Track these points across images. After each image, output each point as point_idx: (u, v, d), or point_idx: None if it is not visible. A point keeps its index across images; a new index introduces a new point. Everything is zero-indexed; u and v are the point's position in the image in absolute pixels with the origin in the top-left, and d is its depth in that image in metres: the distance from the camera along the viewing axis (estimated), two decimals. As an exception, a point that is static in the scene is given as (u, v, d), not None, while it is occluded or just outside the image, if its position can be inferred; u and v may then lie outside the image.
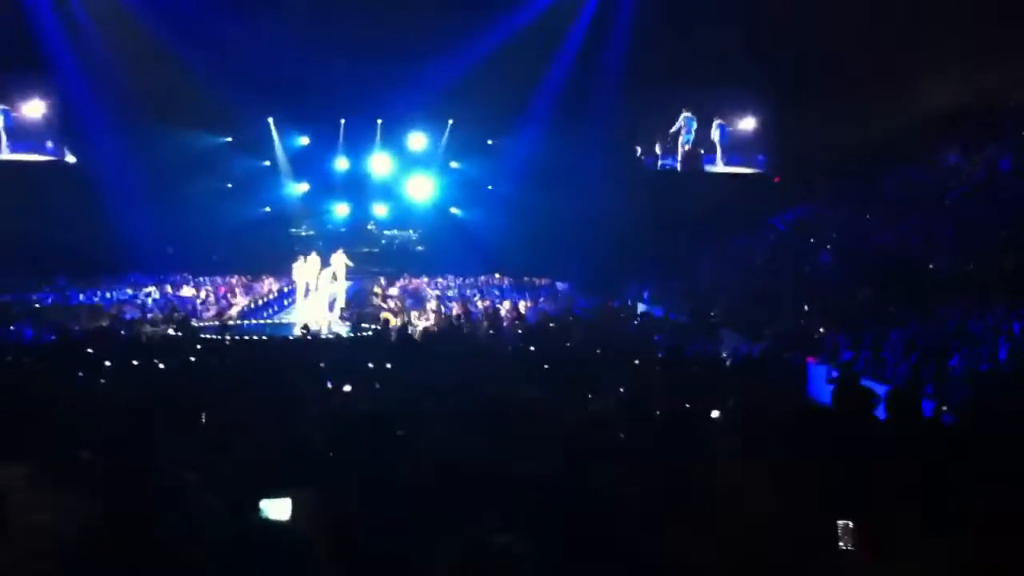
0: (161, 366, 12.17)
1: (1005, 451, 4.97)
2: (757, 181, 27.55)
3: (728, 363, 13.91)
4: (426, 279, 26.58)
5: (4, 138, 26.15)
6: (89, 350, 13.59)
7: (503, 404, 7.69)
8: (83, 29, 25.29)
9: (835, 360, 13.55)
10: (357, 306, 22.62)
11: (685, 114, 27.73)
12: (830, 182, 24.10)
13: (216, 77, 25.52)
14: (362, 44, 25.87)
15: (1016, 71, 19.54)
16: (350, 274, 23.78)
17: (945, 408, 9.35)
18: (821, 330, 15.50)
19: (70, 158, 27.49)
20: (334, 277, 22.07)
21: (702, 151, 27.98)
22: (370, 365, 11.46)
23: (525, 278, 26.95)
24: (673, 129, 28.12)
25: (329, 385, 9.78)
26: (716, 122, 27.74)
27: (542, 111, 27.49)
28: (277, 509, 4.58)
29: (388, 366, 11.46)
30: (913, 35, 20.23)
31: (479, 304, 23.62)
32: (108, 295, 23.79)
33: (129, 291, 24.40)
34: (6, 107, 26.03)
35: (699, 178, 27.91)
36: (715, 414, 7.18)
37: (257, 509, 4.46)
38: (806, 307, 17.46)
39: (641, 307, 22.82)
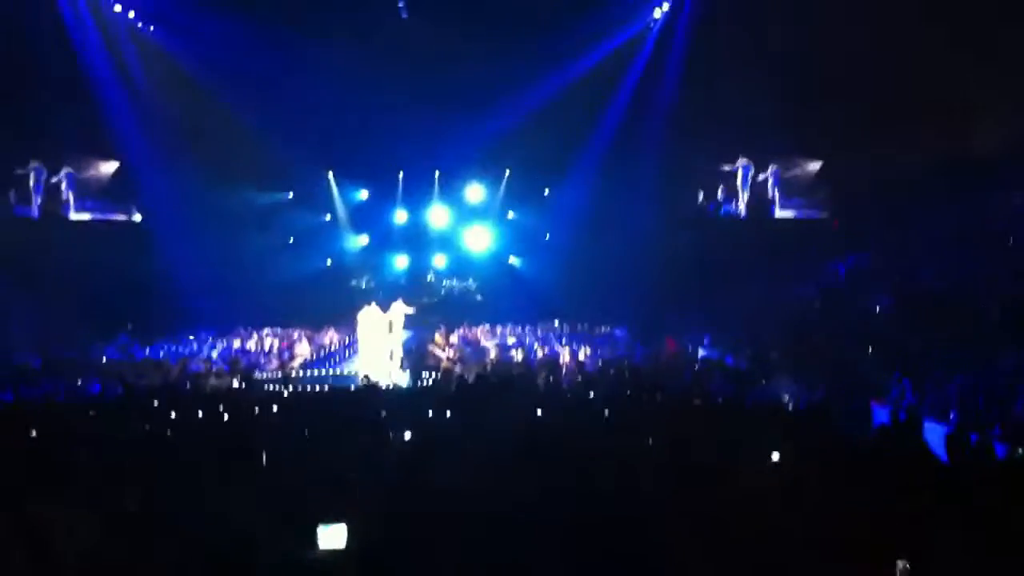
0: (226, 417, 12.38)
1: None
2: (814, 226, 27.25)
3: (790, 408, 13.76)
4: (486, 328, 26.65)
5: (72, 199, 26.81)
6: (155, 403, 13.89)
7: (558, 449, 7.74)
8: (144, 91, 25.99)
9: (899, 403, 13.33)
10: (417, 356, 22.75)
11: (742, 160, 27.62)
12: (887, 226, 23.80)
13: (275, 134, 26.13)
14: (419, 96, 26.34)
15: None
16: (409, 324, 23.98)
17: (1020, 451, 9.18)
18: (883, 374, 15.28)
19: (136, 217, 28.18)
20: (391, 328, 22.25)
21: (768, 196, 27.80)
22: (430, 414, 11.55)
23: (583, 326, 26.87)
24: (730, 171, 28.00)
25: (390, 434, 9.88)
26: (771, 167, 27.60)
27: (596, 159, 27.71)
28: (333, 535, 4.68)
29: (448, 414, 11.54)
30: (965, 74, 20.03)
31: (538, 352, 23.62)
32: (173, 349, 24.24)
33: (193, 345, 24.83)
34: (71, 169, 26.70)
35: (756, 224, 27.72)
36: (775, 456, 7.13)
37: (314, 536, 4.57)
38: (869, 350, 17.21)
39: (701, 352, 22.66)
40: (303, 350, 24.10)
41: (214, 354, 23.73)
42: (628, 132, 27.06)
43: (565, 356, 22.60)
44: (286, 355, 22.73)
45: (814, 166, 27.46)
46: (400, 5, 25.05)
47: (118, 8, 25.36)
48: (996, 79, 19.59)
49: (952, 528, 4.96)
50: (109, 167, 27.26)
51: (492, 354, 23.46)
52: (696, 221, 27.82)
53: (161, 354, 23.45)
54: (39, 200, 26.28)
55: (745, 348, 20.72)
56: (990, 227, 19.95)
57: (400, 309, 22.50)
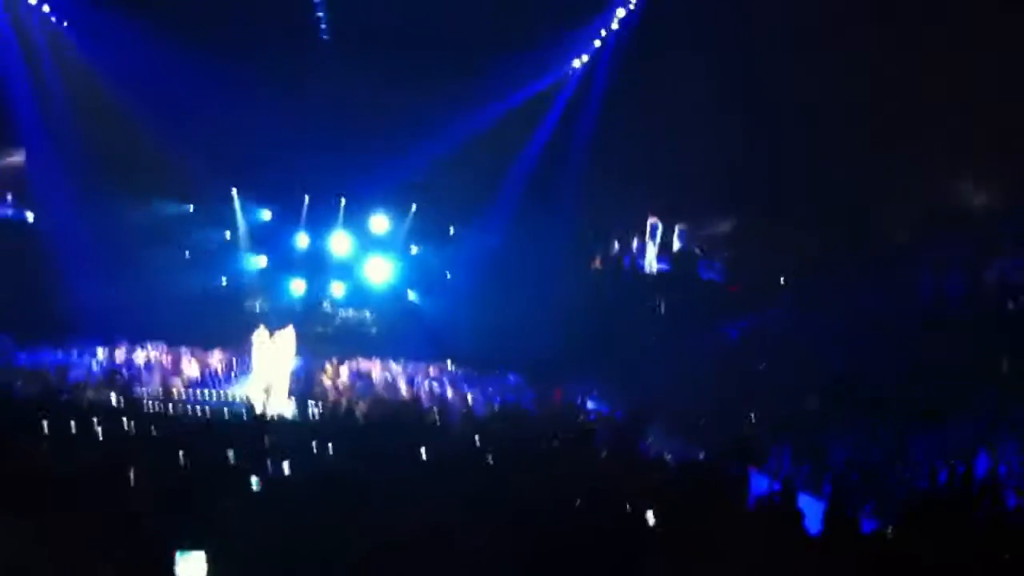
0: (99, 432, 11.96)
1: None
2: (714, 287, 27.81)
3: (672, 466, 13.89)
4: (377, 362, 26.37)
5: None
6: (29, 411, 13.34)
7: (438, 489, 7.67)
8: (52, 91, 25.23)
9: (777, 473, 13.58)
10: (305, 385, 22.36)
11: (651, 220, 28.18)
12: (789, 294, 24.40)
13: (181, 146, 25.62)
14: (332, 122, 26.18)
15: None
16: (300, 351, 23.59)
17: (890, 529, 9.38)
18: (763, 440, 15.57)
19: (28, 216, 27.27)
20: (280, 355, 21.83)
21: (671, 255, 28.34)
22: (313, 445, 11.33)
23: (476, 368, 26.80)
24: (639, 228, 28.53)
25: (268, 463, 9.67)
26: (678, 227, 28.19)
27: (507, 203, 27.86)
28: (191, 564, 4.54)
29: (330, 446, 11.35)
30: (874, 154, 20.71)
31: (427, 390, 23.46)
32: (55, 356, 23.33)
33: (74, 354, 23.95)
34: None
35: (655, 280, 28.24)
36: (650, 517, 7.16)
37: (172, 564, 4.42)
38: (752, 416, 17.54)
39: (589, 404, 22.79)
40: (188, 369, 23.47)
41: (94, 364, 22.92)
42: (540, 180, 27.33)
43: (454, 396, 22.51)
44: (170, 373, 22.08)
45: (723, 228, 28.04)
46: (322, 27, 24.86)
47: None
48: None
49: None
50: (9, 160, 26.37)
51: (381, 389, 23.21)
52: (599, 273, 28.17)
53: (43, 361, 22.53)
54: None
55: (633, 403, 20.92)
56: (888, 308, 20.53)
57: (290, 336, 22.09)
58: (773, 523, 6.84)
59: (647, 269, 28.35)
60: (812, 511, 6.92)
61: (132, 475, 7.28)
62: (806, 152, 22.32)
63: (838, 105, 20.98)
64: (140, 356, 24.17)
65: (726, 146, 23.47)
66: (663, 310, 25.99)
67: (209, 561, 4.68)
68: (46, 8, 25.05)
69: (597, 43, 25.86)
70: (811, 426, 15.68)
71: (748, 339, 23.72)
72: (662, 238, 28.46)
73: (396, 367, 25.92)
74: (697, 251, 28.34)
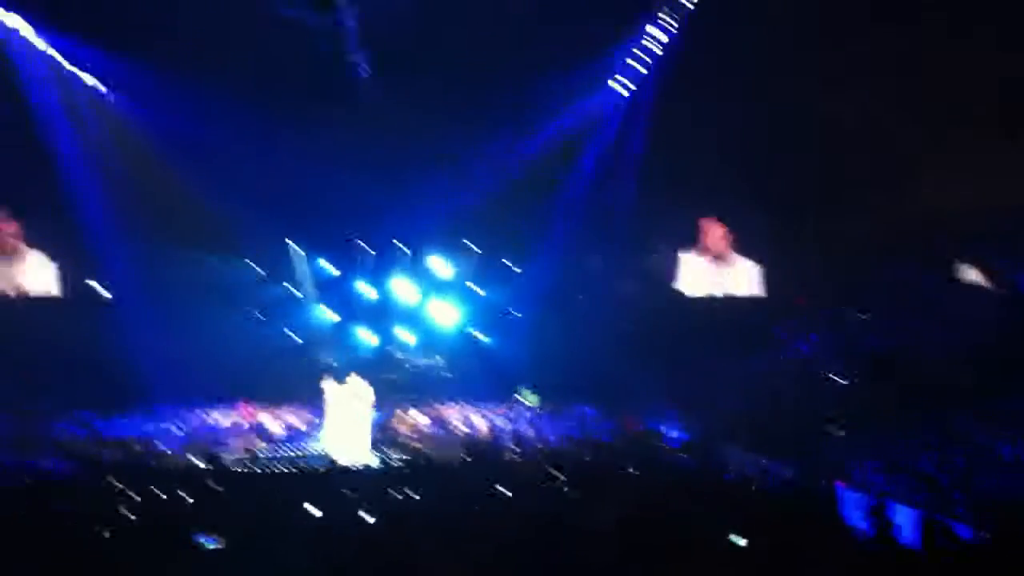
0: (186, 497, 12.15)
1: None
2: (778, 301, 27.47)
3: (755, 487, 13.72)
4: (451, 405, 26.44)
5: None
6: (115, 482, 13.61)
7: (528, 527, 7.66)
8: (105, 159, 25.79)
9: (867, 486, 13.31)
10: (382, 434, 22.51)
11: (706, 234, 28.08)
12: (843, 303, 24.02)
13: (239, 205, 26.02)
14: (389, 170, 26.47)
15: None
16: (375, 402, 23.76)
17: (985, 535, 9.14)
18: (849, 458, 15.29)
19: (101, 290, 27.96)
20: (355, 406, 21.99)
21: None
22: (398, 496, 11.41)
23: (548, 404, 26.69)
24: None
25: (359, 513, 9.76)
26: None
27: (562, 231, 27.87)
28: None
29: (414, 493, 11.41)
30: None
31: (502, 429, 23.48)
32: (135, 425, 23.79)
33: (155, 420, 24.38)
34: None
35: (725, 302, 28.03)
36: (742, 542, 7.03)
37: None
38: (838, 431, 17.27)
39: (665, 429, 22.60)
40: (268, 426, 23.77)
41: (175, 430, 23.33)
42: (593, 204, 27.28)
43: (530, 433, 22.50)
44: (251, 434, 22.40)
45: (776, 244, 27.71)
46: (360, 66, 25.05)
47: (75, 70, 25.20)
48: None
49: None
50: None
51: (457, 431, 23.30)
52: (659, 295, 27.97)
53: (124, 432, 22.99)
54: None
55: (709, 425, 20.76)
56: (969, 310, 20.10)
57: (363, 387, 22.26)
58: (870, 537, 6.72)
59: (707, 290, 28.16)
60: (907, 522, 6.81)
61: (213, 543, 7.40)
62: (869, 154, 22.07)
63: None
64: (219, 417, 24.56)
65: (779, 151, 23.35)
66: (726, 326, 25.66)
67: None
68: (88, 78, 25.58)
69: (643, 56, 25.75)
70: (895, 436, 15.38)
71: (821, 351, 23.37)
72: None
73: (470, 409, 25.98)
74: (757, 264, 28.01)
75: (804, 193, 23.88)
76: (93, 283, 27.96)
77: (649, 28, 24.49)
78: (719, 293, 28.20)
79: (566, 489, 12.20)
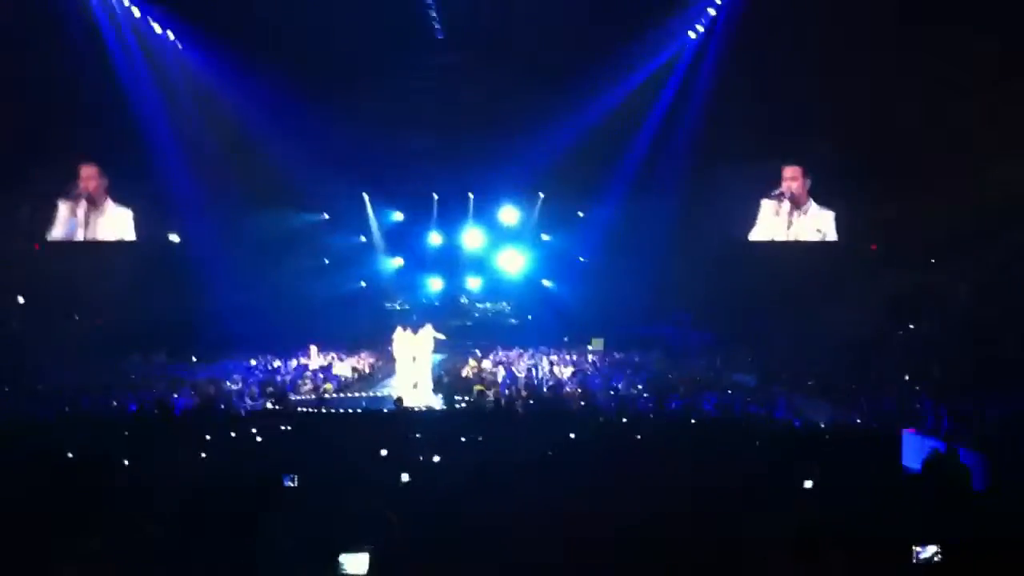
0: (259, 439, 12.40)
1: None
2: (852, 249, 27.00)
3: (825, 433, 13.62)
4: (518, 351, 26.54)
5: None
6: (189, 425, 13.97)
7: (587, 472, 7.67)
8: (183, 113, 26.21)
9: (936, 432, 13.10)
10: (450, 379, 22.71)
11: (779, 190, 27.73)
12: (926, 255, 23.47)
13: (309, 156, 26.28)
14: (454, 121, 26.47)
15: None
16: (442, 347, 23.96)
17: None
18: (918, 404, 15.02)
19: (173, 238, 28.55)
20: (423, 351, 22.20)
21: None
22: (463, 439, 11.50)
23: (615, 351, 26.63)
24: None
25: (421, 458, 9.86)
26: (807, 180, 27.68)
27: (629, 182, 27.63)
28: (355, 563, 4.66)
29: (480, 439, 11.50)
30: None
31: (568, 376, 23.48)
32: (209, 369, 24.32)
33: (228, 366, 24.89)
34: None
35: (787, 248, 27.64)
36: (808, 484, 7.02)
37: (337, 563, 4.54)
38: (906, 377, 17.00)
39: (738, 377, 22.41)
40: (338, 371, 24.13)
41: (248, 375, 23.78)
42: (661, 155, 26.94)
43: (598, 380, 22.47)
44: (320, 377, 22.74)
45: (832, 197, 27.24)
46: (436, 26, 25.07)
47: (158, 29, 25.65)
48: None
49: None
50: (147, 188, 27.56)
51: (523, 378, 23.38)
52: (723, 248, 27.64)
53: (198, 375, 23.54)
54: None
55: (772, 373, 20.56)
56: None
57: (431, 333, 22.46)
58: (940, 481, 6.64)
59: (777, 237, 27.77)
60: (975, 466, 6.71)
61: (288, 481, 7.54)
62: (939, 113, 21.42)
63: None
64: (291, 363, 24.99)
65: (848, 113, 22.82)
66: (793, 276, 25.31)
67: (372, 558, 4.80)
68: (171, 35, 26.01)
69: (711, 11, 25.23)
70: (963, 385, 15.07)
71: (893, 302, 22.89)
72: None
73: (537, 356, 26.06)
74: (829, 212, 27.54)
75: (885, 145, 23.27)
76: (170, 233, 28.56)
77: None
78: (793, 238, 27.82)
79: (638, 436, 12.20)
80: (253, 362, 24.63)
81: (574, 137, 26.28)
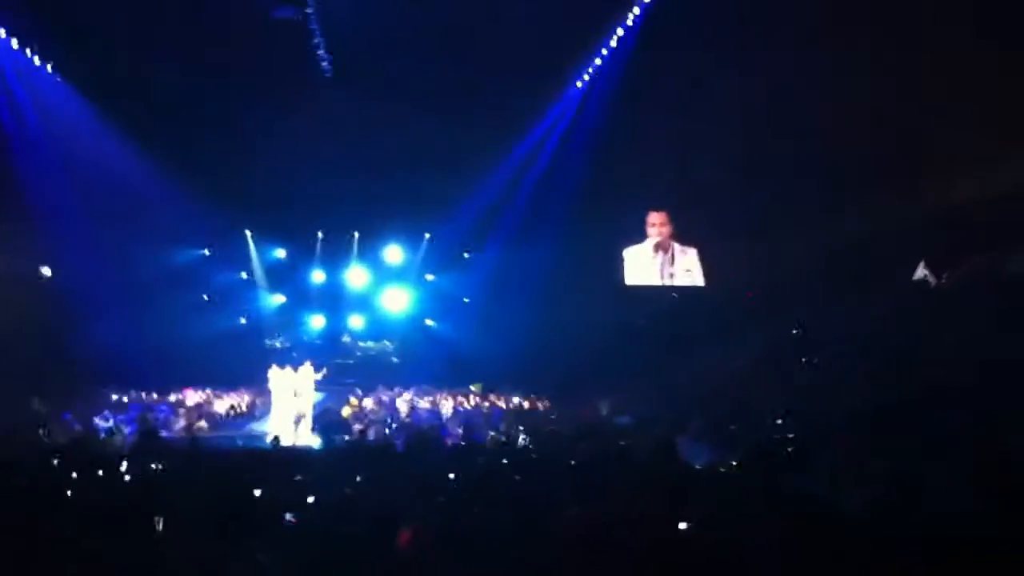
0: (127, 477, 11.96)
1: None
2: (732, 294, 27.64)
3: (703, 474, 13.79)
4: (400, 391, 26.35)
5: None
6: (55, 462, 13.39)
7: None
8: (50, 137, 25.09)
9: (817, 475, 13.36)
10: (329, 418, 22.38)
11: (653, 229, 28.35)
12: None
13: (194, 191, 25.76)
14: (340, 159, 26.32)
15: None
16: (323, 386, 23.63)
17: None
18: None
19: (45, 271, 27.44)
20: (301, 390, 21.88)
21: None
22: (357, 478, 11.29)
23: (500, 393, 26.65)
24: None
25: (309, 499, 9.67)
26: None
27: (514, 223, 27.86)
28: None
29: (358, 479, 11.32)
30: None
31: (451, 416, 23.41)
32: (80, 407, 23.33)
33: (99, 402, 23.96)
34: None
35: (672, 292, 28.23)
36: (683, 526, 7.08)
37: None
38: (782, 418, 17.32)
39: (622, 419, 22.62)
40: (213, 408, 23.56)
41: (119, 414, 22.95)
42: (545, 197, 27.19)
43: (480, 420, 22.46)
44: (195, 415, 22.16)
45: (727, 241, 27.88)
46: (324, 64, 24.93)
47: (15, 44, 23.74)
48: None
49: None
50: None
51: (404, 417, 23.22)
52: (610, 289, 28.07)
53: (67, 416, 22.52)
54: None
55: (661, 414, 20.81)
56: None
57: (310, 372, 22.15)
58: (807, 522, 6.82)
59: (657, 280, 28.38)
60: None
61: (160, 519, 7.28)
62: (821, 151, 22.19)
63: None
64: (165, 399, 24.28)
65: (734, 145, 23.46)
66: (680, 319, 25.84)
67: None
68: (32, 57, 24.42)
69: (598, 60, 25.69)
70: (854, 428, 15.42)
71: (776, 345, 23.42)
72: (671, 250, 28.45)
73: (418, 395, 25.92)
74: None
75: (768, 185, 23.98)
76: (41, 267, 27.42)
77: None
78: (664, 283, 28.45)
79: (516, 477, 12.16)
80: (125, 399, 23.83)
81: (460, 175, 26.35)
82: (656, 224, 28.56)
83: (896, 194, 21.64)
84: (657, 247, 28.56)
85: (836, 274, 22.52)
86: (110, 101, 24.48)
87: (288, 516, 8.16)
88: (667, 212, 28.44)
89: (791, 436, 15.61)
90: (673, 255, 28.53)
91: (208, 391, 25.29)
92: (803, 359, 20.63)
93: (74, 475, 11.59)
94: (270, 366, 22.74)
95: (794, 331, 21.62)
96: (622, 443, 17.97)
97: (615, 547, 6.38)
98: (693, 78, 22.70)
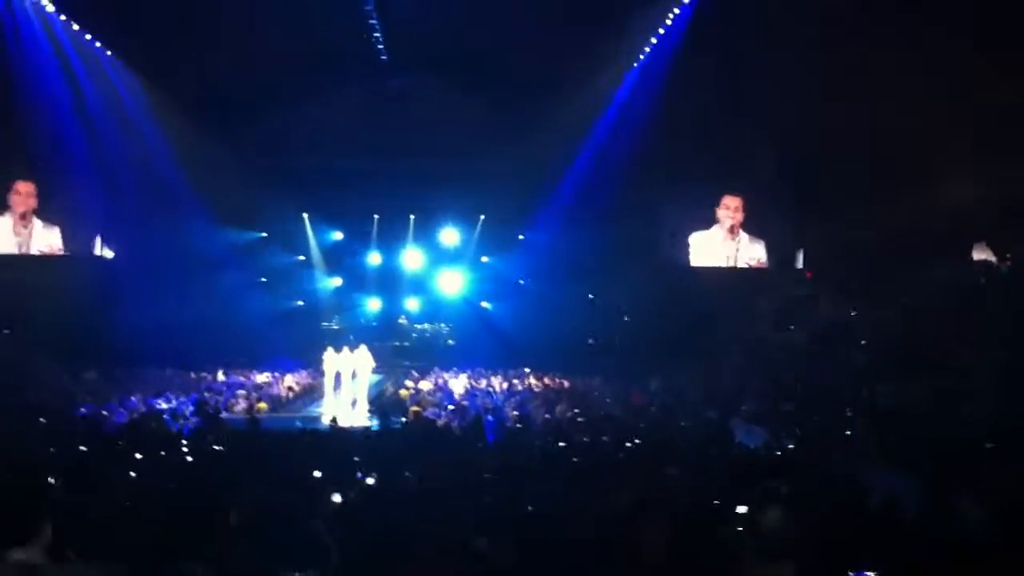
0: (190, 459, 12.15)
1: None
2: (788, 276, 27.34)
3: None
4: (456, 373, 26.43)
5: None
6: (120, 443, 13.63)
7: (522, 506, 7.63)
8: (119, 121, 25.61)
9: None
10: (385, 400, 22.54)
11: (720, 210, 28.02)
12: (860, 281, 23.81)
13: (252, 174, 26.03)
14: (396, 141, 26.40)
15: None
16: (380, 368, 23.80)
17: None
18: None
19: (107, 253, 27.96)
20: (358, 372, 22.04)
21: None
22: (393, 461, 11.37)
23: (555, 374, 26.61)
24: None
25: (360, 476, 9.75)
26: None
27: (570, 205, 27.70)
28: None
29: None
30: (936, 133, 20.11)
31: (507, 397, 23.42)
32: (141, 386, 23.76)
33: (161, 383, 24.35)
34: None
35: (728, 274, 27.91)
36: (741, 509, 7.01)
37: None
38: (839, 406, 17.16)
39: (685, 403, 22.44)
40: (275, 390, 23.84)
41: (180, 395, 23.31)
42: (601, 179, 27.03)
43: (537, 405, 22.44)
44: (254, 396, 22.43)
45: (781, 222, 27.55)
46: (380, 47, 25.01)
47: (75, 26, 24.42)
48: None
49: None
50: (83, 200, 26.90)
51: (460, 398, 23.29)
52: (666, 271, 27.86)
53: (130, 393, 22.95)
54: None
55: (718, 396, 20.67)
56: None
57: (366, 354, 22.29)
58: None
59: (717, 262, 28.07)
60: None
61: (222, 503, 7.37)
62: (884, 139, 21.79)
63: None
64: (224, 380, 24.61)
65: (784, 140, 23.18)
66: (735, 302, 25.57)
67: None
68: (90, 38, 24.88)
69: (653, 40, 25.41)
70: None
71: (832, 328, 23.14)
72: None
73: (473, 378, 25.98)
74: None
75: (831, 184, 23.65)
76: (102, 247, 27.93)
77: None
78: (729, 264, 28.14)
79: (574, 459, 12.13)
80: (188, 380, 24.20)
81: (516, 155, 26.23)
82: (730, 208, 28.19)
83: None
84: (728, 231, 28.21)
85: (895, 255, 22.19)
86: (167, 81, 24.77)
87: (337, 497, 8.17)
88: (742, 197, 28.04)
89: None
90: (740, 241, 28.19)
91: (268, 373, 25.58)
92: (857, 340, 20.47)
93: (137, 456, 11.82)
94: (326, 348, 22.92)
95: (852, 312, 21.39)
96: (681, 424, 17.98)
97: (666, 532, 6.34)
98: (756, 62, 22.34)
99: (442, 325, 31.99)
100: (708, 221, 28.33)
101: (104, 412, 18.70)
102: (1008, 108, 18.61)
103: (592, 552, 5.47)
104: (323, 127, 26.35)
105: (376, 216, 31.17)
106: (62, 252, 27.55)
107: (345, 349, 22.42)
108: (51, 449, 12.21)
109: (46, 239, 27.57)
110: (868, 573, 5.08)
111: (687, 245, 28.29)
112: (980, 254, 21.33)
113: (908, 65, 19.58)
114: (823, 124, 22.13)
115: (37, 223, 27.52)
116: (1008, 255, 20.38)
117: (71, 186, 26.13)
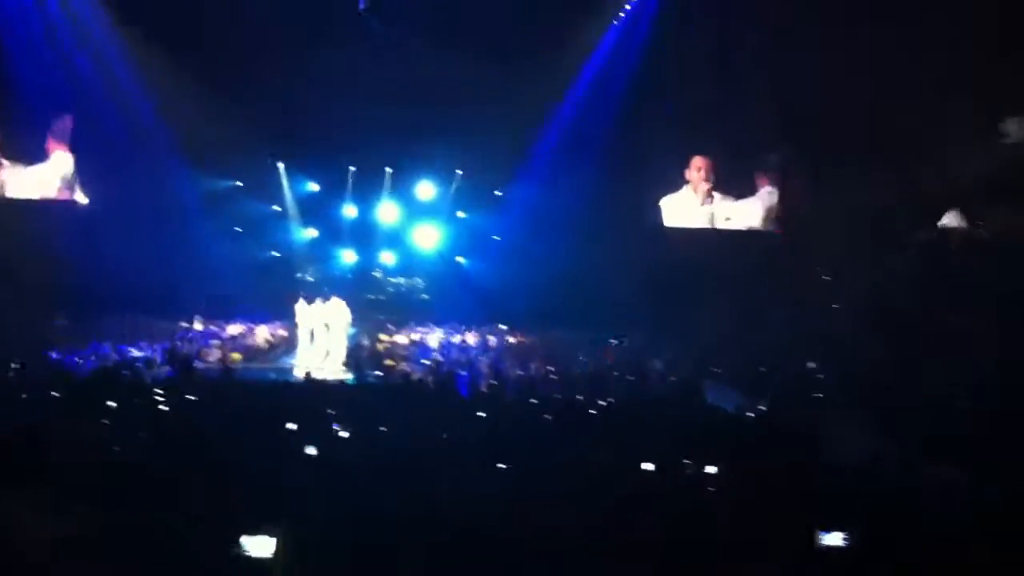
0: (163, 407, 12.13)
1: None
2: (764, 239, 27.40)
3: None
4: (433, 328, 26.46)
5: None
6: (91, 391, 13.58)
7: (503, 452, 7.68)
8: (88, 66, 25.21)
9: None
10: (360, 353, 22.55)
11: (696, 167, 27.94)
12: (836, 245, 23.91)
13: (228, 121, 25.68)
14: (373, 93, 26.12)
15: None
16: (355, 321, 23.77)
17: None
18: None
19: (81, 199, 27.61)
20: (333, 324, 22.02)
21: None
22: (368, 414, 11.41)
23: (530, 331, 26.68)
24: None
25: (335, 429, 9.79)
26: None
27: (548, 161, 27.62)
28: (259, 546, 4.52)
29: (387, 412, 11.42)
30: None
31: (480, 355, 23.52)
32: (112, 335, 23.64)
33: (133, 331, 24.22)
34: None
35: (702, 234, 27.93)
36: (711, 469, 7.09)
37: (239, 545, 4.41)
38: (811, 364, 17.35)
39: (658, 363, 22.61)
40: (246, 341, 23.79)
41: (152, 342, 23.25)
42: (580, 133, 26.94)
43: (509, 361, 22.56)
44: (228, 347, 22.38)
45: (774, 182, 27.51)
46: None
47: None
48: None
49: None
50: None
51: (435, 352, 23.36)
52: (645, 229, 27.85)
53: (102, 341, 22.82)
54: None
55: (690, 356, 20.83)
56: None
57: (341, 306, 22.25)
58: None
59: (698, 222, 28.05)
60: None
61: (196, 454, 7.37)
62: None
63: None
64: (198, 329, 24.52)
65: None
66: (717, 262, 25.60)
67: (279, 541, 4.64)
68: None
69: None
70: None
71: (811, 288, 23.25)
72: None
73: (449, 332, 26.03)
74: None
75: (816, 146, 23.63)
76: (76, 192, 27.57)
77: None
78: (704, 225, 28.13)
79: (547, 417, 12.22)
80: (159, 327, 24.07)
81: (494, 111, 26.02)
82: (700, 168, 28.12)
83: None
84: (697, 192, 28.16)
85: (871, 222, 22.26)
86: (144, 27, 24.36)
87: (311, 449, 8.20)
88: (710, 158, 27.96)
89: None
90: (713, 201, 28.15)
91: (242, 323, 25.48)
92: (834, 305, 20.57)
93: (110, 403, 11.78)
94: (299, 300, 22.83)
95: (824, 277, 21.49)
96: (654, 386, 18.13)
97: (643, 491, 6.39)
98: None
99: (417, 280, 31.91)
100: (677, 183, 28.28)
101: (77, 360, 18.59)
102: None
103: (570, 510, 5.52)
104: (299, 75, 25.99)
105: (352, 168, 30.91)
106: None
107: (318, 300, 22.36)
108: (23, 396, 12.18)
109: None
110: (835, 531, 5.15)
111: (658, 206, 28.25)
112: (951, 221, 21.42)
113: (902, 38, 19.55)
114: (804, 85, 22.16)
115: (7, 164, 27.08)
116: (980, 221, 20.46)
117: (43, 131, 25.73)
